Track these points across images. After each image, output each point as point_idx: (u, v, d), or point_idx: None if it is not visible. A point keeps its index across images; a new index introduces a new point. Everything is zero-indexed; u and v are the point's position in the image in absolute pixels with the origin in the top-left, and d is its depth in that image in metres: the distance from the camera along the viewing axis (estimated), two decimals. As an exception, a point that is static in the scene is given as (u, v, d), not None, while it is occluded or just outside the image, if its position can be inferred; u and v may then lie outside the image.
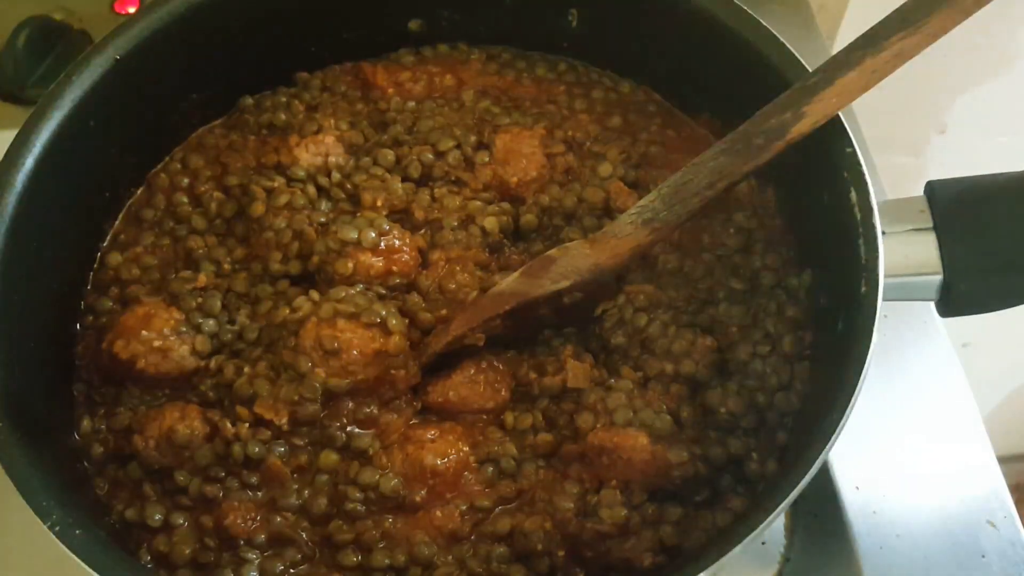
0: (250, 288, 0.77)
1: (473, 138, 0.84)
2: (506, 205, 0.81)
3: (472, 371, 0.74)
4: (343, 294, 0.74)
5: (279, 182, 0.81)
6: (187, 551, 0.68)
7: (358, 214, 0.79)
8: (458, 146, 0.83)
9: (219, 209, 0.82)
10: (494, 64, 0.91)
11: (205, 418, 0.71)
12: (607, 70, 0.90)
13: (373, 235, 0.76)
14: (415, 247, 0.78)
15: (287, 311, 0.74)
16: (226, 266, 0.79)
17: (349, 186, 0.82)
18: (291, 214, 0.79)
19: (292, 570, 0.68)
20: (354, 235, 0.76)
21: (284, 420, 0.71)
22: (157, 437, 0.70)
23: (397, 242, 0.76)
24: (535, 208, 0.81)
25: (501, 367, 0.75)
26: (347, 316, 0.72)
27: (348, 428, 0.72)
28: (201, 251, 0.80)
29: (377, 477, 0.69)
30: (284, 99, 0.88)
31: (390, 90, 0.88)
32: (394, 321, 0.73)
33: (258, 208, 0.80)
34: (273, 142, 0.84)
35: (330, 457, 0.71)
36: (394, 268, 0.76)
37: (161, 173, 0.85)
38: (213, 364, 0.74)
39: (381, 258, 0.76)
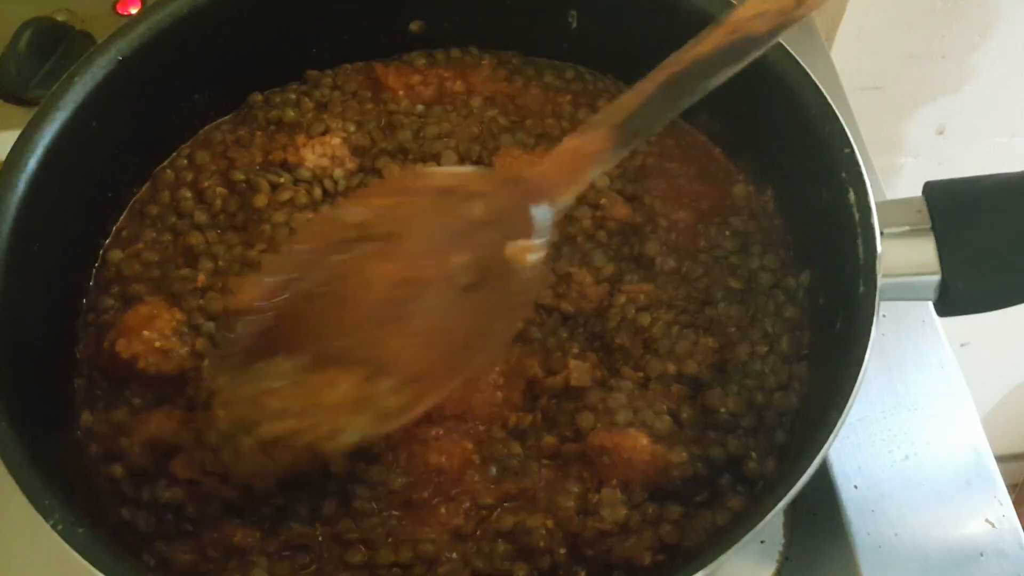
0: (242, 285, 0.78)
1: (478, 147, 0.84)
2: None
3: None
4: None
5: (286, 179, 0.82)
6: (186, 559, 0.68)
7: None
8: (461, 160, 0.84)
9: (223, 205, 0.82)
10: (503, 70, 0.91)
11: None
12: (608, 74, 0.91)
13: None
14: None
15: None
16: (221, 263, 0.79)
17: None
18: (291, 211, 0.80)
19: (300, 571, 0.68)
20: None
21: None
22: (143, 443, 0.70)
23: None
24: None
25: (510, 369, 0.74)
26: None
27: None
28: (201, 247, 0.80)
29: (385, 474, 0.70)
30: (293, 96, 0.88)
31: (400, 92, 0.89)
32: None
33: (261, 200, 0.81)
34: (281, 139, 0.85)
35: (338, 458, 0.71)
36: None
37: (167, 169, 0.85)
38: (207, 365, 0.74)
39: None
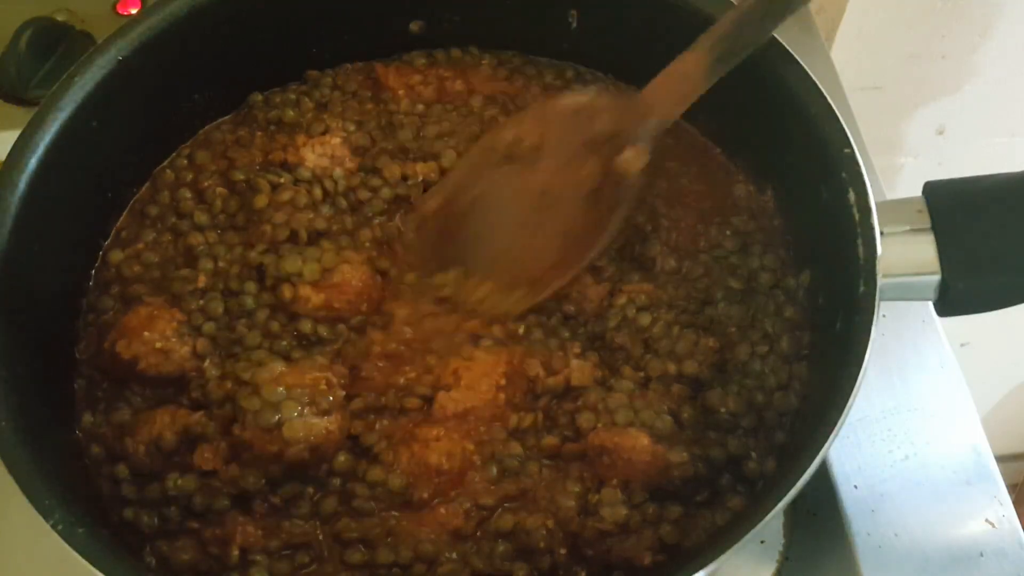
0: (242, 284, 0.78)
1: None
2: None
3: (479, 377, 0.73)
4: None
5: (286, 179, 0.82)
6: (186, 557, 0.68)
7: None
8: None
9: (223, 205, 0.82)
10: (504, 70, 0.91)
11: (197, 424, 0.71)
12: (609, 74, 0.91)
13: (316, 270, 0.76)
14: (365, 286, 0.77)
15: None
16: (221, 264, 0.79)
17: (353, 198, 0.82)
18: (292, 212, 0.80)
19: (301, 571, 0.68)
20: (297, 268, 0.76)
21: None
22: (147, 442, 0.70)
23: (346, 279, 0.76)
24: None
25: (510, 369, 0.74)
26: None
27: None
28: (201, 247, 0.80)
29: (385, 475, 0.70)
30: (293, 96, 0.88)
31: (400, 92, 0.89)
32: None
33: (261, 200, 0.81)
34: (281, 139, 0.85)
35: (339, 458, 0.71)
36: (335, 304, 0.76)
37: (167, 169, 0.85)
38: (208, 366, 0.74)
39: (323, 294, 0.76)
